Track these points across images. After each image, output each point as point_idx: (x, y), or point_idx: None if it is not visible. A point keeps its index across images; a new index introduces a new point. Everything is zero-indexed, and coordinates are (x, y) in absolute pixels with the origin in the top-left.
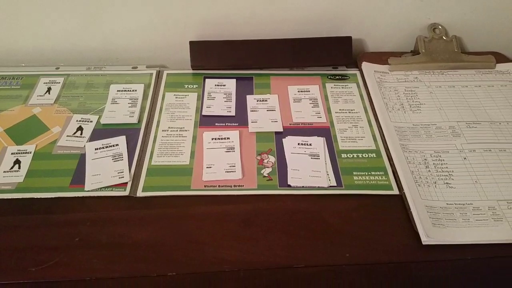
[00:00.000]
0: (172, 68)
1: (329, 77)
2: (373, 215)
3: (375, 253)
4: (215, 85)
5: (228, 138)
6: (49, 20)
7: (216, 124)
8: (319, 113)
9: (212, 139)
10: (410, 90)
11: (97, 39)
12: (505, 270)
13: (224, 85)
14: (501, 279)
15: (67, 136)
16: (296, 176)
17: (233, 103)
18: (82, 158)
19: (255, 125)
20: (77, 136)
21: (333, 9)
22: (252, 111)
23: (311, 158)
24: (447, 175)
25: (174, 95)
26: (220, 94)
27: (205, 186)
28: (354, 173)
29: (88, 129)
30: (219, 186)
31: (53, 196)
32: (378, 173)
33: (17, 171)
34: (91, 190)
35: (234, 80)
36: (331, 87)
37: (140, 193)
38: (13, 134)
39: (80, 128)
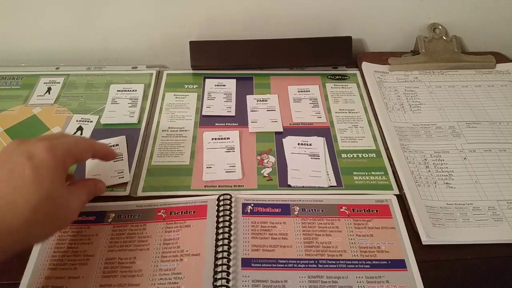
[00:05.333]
0: (172, 68)
1: (329, 77)
2: None
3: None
4: (215, 85)
5: (228, 138)
6: (49, 20)
7: (216, 124)
8: (319, 113)
9: (212, 139)
10: (410, 90)
11: (97, 39)
12: (505, 270)
13: (224, 85)
14: (501, 279)
15: None
16: (296, 176)
17: (233, 103)
18: None
19: (255, 125)
20: None
21: (333, 9)
22: (252, 111)
23: (311, 158)
24: (447, 175)
25: (174, 95)
26: (220, 94)
27: (205, 186)
28: (354, 173)
29: (88, 129)
30: (219, 186)
31: None
32: (378, 173)
33: None
34: None
35: (234, 80)
36: (331, 87)
37: (140, 193)
38: (13, 134)
39: (80, 128)
